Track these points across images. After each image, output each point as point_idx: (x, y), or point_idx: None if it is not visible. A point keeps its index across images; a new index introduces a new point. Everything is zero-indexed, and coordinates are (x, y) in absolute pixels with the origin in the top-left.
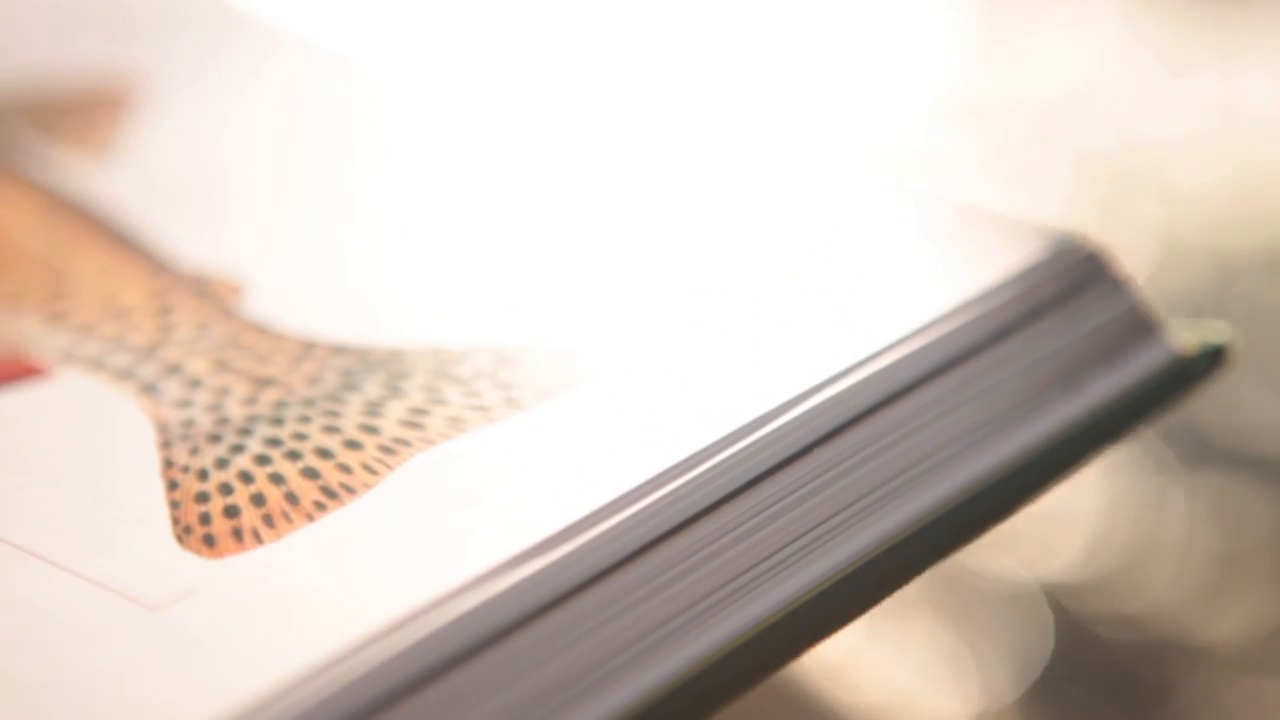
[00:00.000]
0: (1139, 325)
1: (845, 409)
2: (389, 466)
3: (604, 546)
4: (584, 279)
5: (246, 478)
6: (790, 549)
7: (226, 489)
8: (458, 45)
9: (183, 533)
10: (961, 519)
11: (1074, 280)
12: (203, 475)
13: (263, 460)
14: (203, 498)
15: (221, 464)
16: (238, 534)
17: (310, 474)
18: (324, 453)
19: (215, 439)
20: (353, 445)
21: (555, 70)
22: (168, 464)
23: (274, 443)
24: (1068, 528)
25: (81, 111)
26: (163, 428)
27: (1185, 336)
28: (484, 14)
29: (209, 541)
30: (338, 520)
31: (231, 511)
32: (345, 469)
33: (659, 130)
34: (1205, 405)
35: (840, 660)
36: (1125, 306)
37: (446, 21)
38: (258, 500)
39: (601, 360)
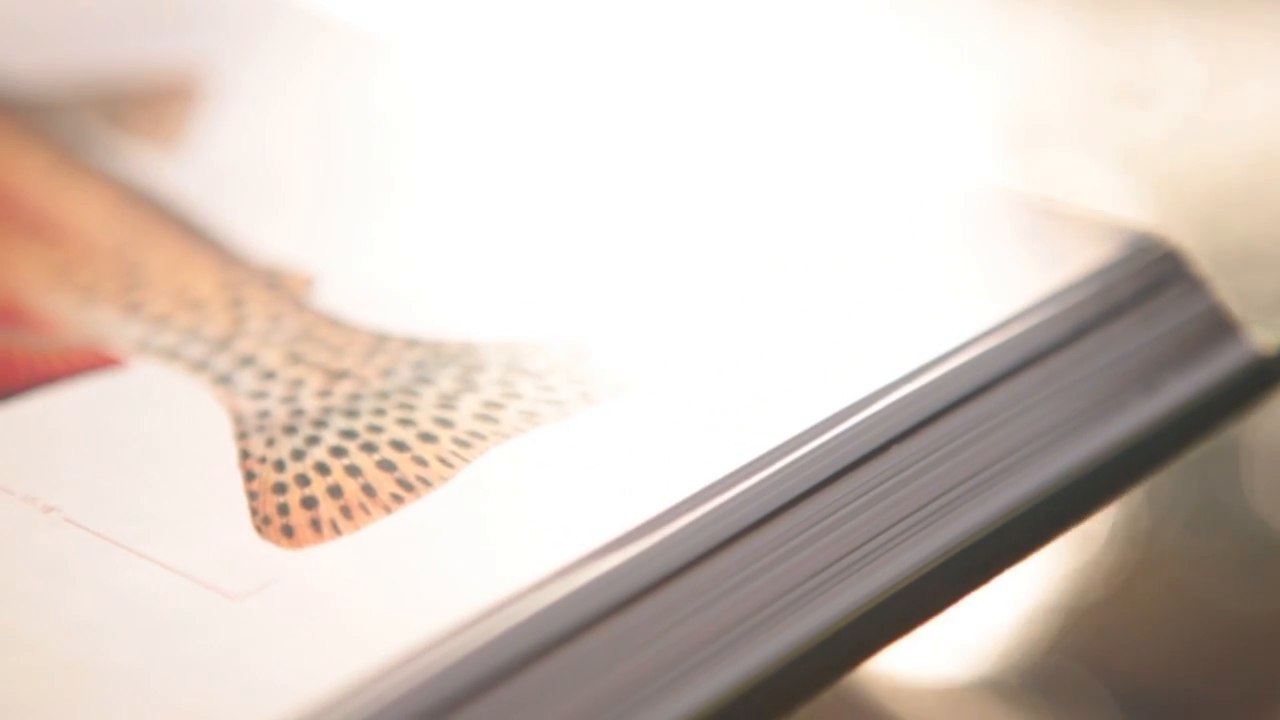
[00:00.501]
0: (1218, 325)
1: (923, 406)
2: (464, 460)
3: (681, 542)
4: (658, 270)
5: (323, 469)
6: (868, 547)
7: (303, 480)
8: (519, 30)
9: (261, 523)
10: (1040, 519)
11: (1152, 279)
12: (280, 466)
13: (339, 452)
14: (280, 489)
15: (298, 455)
16: (316, 525)
17: (386, 466)
18: (399, 445)
19: (291, 430)
20: (428, 438)
21: (614, 57)
22: (244, 455)
23: (349, 435)
24: None
25: (150, 104)
26: (239, 419)
27: (1265, 337)
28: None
29: (287, 532)
30: (414, 513)
31: (309, 503)
32: (421, 462)
33: (733, 120)
34: None
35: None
36: (1204, 306)
37: (506, 6)
38: (335, 492)
39: (676, 353)
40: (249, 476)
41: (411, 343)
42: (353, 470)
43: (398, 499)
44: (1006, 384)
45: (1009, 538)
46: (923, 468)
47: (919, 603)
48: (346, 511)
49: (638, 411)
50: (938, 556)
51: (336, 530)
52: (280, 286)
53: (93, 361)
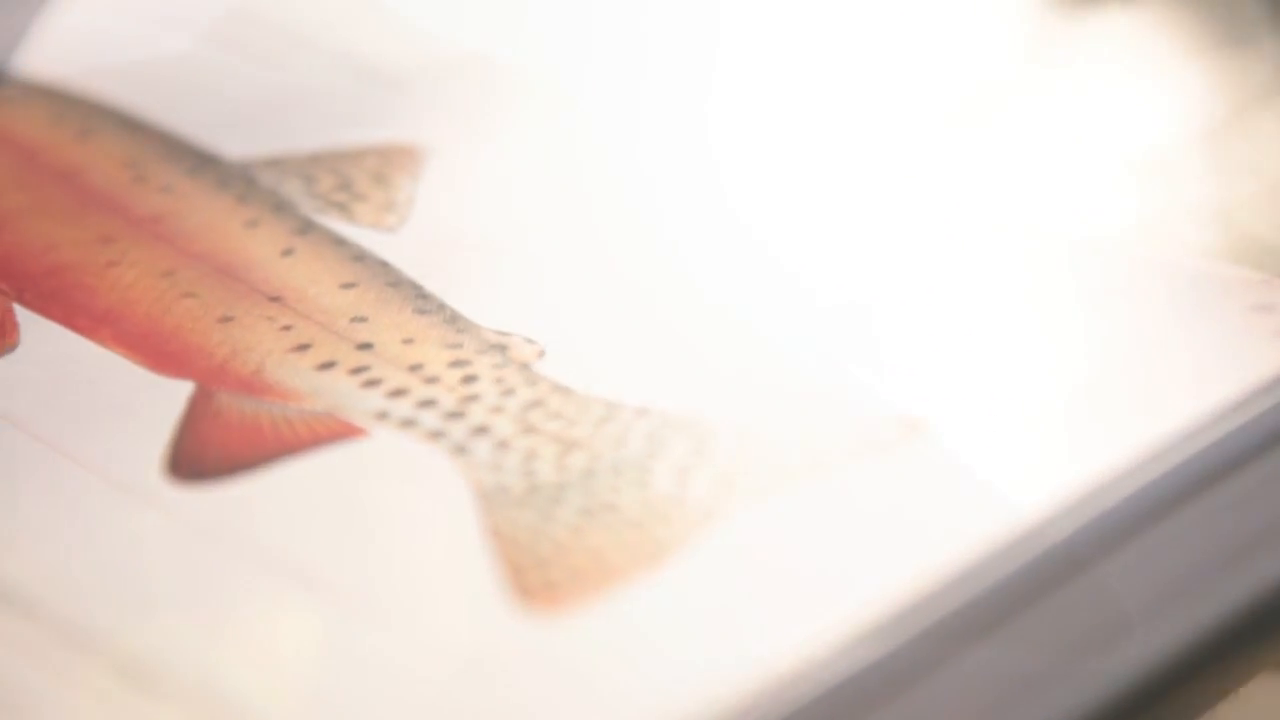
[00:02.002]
0: None
1: None
2: (705, 530)
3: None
4: (909, 308)
5: (566, 539)
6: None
7: (546, 549)
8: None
9: (509, 590)
10: None
11: None
12: (523, 536)
13: (581, 521)
14: (525, 556)
15: (539, 526)
16: (565, 593)
17: (626, 535)
18: (639, 515)
19: (529, 502)
20: (665, 508)
21: (819, 105)
22: (488, 524)
23: (588, 507)
24: None
25: (377, 179)
26: (479, 488)
27: None
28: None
29: (537, 599)
30: (670, 578)
31: (554, 572)
32: (662, 530)
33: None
34: None
35: None
36: None
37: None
38: (578, 562)
39: (961, 386)
40: (494, 545)
41: (641, 412)
42: (594, 541)
43: (642, 567)
44: None
45: None
46: None
47: None
48: (592, 582)
49: (940, 454)
50: None
51: (586, 600)
52: (509, 356)
53: (336, 430)
